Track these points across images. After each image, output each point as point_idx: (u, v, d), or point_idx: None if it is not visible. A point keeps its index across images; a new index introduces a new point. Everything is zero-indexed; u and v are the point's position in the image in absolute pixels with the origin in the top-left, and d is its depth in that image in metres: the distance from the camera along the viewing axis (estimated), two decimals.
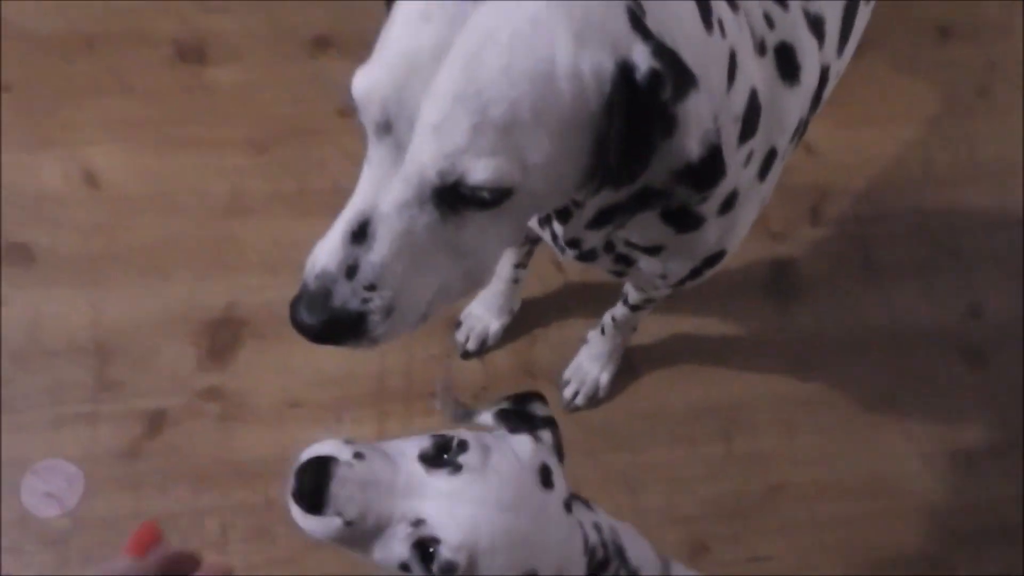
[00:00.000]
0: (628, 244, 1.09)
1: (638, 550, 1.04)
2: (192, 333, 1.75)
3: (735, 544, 1.71)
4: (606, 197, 0.83)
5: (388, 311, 0.82)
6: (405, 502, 0.84)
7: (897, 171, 2.05)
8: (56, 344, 1.72)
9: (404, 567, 0.84)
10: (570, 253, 1.11)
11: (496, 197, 0.77)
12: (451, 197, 0.77)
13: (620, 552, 1.01)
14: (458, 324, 1.80)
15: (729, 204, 1.04)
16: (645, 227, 1.03)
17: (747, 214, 1.08)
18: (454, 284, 0.85)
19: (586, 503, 1.02)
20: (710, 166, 0.79)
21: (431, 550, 0.83)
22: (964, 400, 1.88)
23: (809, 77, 1.04)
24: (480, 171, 0.74)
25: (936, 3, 2.21)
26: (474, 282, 0.88)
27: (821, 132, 1.90)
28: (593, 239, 1.02)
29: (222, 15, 2.01)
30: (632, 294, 1.50)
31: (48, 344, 1.72)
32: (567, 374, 1.78)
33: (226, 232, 1.85)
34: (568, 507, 0.92)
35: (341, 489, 0.82)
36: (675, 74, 0.74)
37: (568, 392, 1.77)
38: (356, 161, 0.80)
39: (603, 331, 1.70)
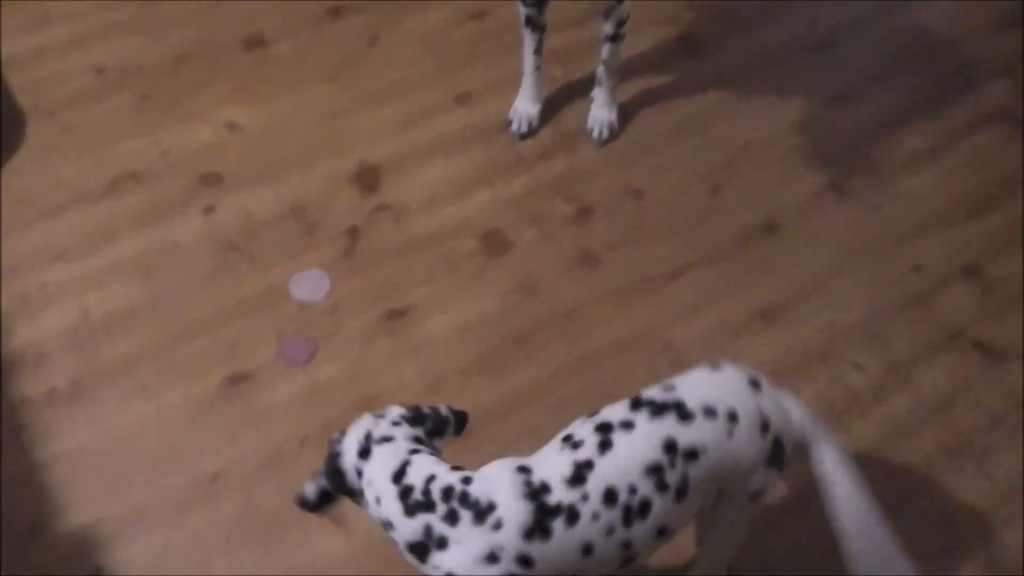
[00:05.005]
0: None
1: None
2: (348, 183, 2.55)
3: None
4: None
5: None
6: None
7: None
8: (263, 217, 2.47)
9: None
10: None
11: None
12: None
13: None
14: (509, 121, 2.67)
15: None
16: None
17: None
18: None
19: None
20: None
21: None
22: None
23: None
24: None
25: None
26: None
27: None
28: None
29: (267, 11, 2.89)
30: (606, 27, 2.44)
31: (258, 219, 2.47)
32: (589, 125, 2.67)
33: (332, 128, 2.67)
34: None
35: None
36: None
37: (595, 135, 2.66)
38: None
39: (599, 81, 2.62)
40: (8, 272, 2.32)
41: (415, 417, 1.46)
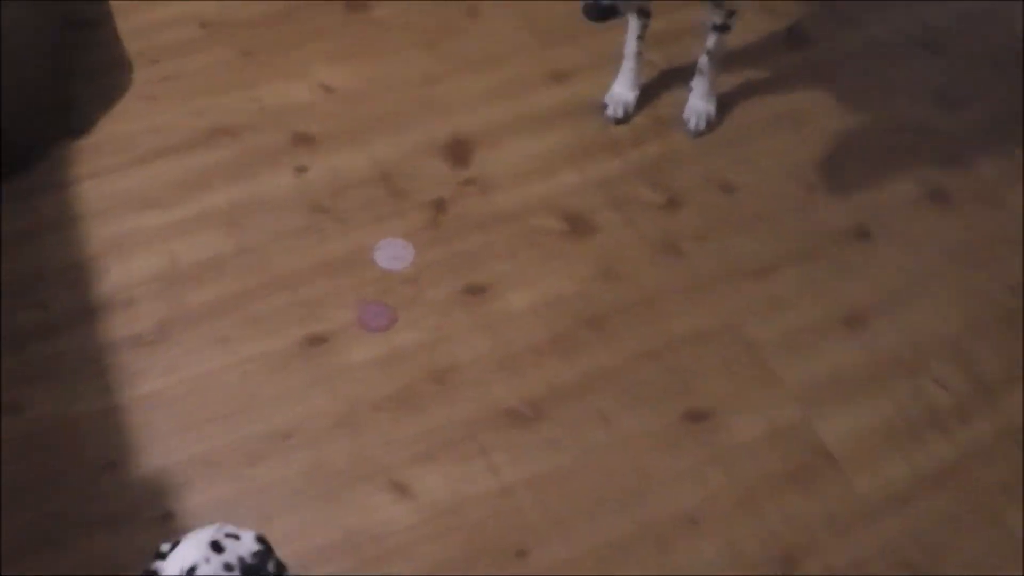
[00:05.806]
0: None
1: None
2: (438, 153, 2.55)
3: None
4: None
5: None
6: None
7: None
8: (352, 181, 2.49)
9: None
10: None
11: None
12: None
13: None
14: (604, 105, 2.64)
15: None
16: None
17: None
18: None
19: None
20: None
21: None
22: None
23: None
24: None
25: None
26: None
27: None
28: None
29: None
30: (715, 16, 2.39)
31: (348, 182, 2.49)
32: (686, 115, 2.63)
33: (426, 96, 2.67)
34: None
35: None
36: None
37: (691, 125, 2.61)
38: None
39: (700, 71, 2.57)
40: (103, 215, 2.38)
41: (253, 569, 1.24)
